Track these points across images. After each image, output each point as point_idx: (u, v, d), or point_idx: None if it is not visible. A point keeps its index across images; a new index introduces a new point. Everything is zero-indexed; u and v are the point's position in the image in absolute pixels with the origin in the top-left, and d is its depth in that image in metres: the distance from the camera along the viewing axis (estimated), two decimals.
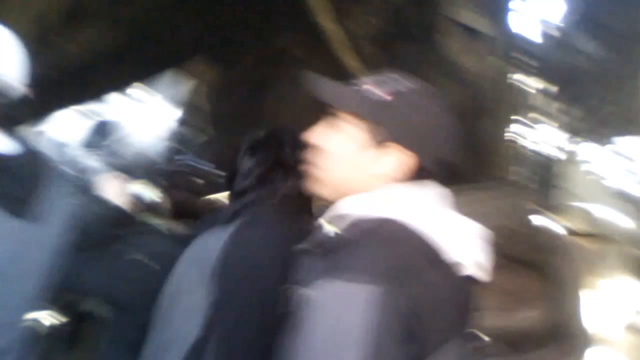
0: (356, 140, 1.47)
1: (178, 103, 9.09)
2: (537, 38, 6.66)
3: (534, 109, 6.50)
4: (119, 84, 7.23)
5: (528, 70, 6.60)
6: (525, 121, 6.36)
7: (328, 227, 1.45)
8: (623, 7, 6.61)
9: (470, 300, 1.45)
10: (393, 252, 1.30)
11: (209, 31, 6.24)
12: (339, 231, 1.40)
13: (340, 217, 1.43)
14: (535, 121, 6.58)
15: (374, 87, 1.47)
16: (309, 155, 1.55)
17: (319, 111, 1.54)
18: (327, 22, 5.73)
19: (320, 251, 1.37)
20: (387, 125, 1.44)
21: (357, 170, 1.47)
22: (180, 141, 8.79)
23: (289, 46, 7.24)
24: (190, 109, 8.76)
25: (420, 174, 1.45)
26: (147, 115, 9.27)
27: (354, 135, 1.47)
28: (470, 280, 1.42)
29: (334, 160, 1.50)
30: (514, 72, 6.06)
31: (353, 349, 1.18)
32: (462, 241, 1.40)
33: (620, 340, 4.44)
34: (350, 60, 6.11)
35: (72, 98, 6.31)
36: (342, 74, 6.66)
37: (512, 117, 6.01)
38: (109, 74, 5.90)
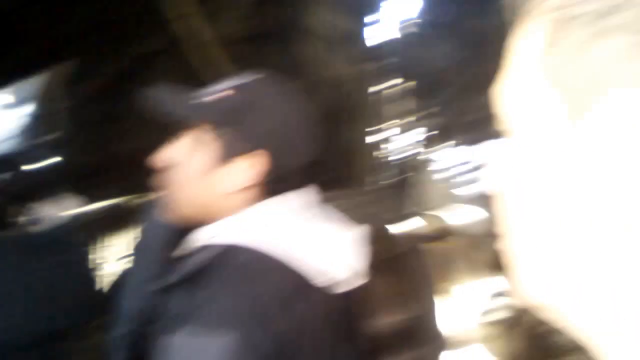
0: (208, 154, 1.35)
1: (32, 101, 8.72)
2: (396, 41, 6.83)
3: (392, 114, 6.67)
4: None
5: (387, 75, 6.76)
6: (384, 127, 6.51)
7: (185, 258, 1.33)
8: (480, 9, 6.89)
9: (351, 314, 1.40)
10: (251, 289, 1.21)
11: (71, 35, 6.01)
12: (195, 263, 1.28)
13: (200, 246, 1.33)
14: (394, 127, 6.76)
15: (223, 93, 1.36)
16: (160, 177, 1.40)
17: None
18: (190, 25, 5.63)
19: (175, 286, 1.26)
20: (239, 131, 1.34)
21: (215, 184, 1.36)
22: (33, 139, 8.44)
23: (155, 50, 7.09)
24: (45, 107, 8.42)
25: (281, 180, 1.35)
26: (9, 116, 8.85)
27: (205, 149, 1.36)
28: (346, 294, 1.35)
29: (187, 180, 1.38)
30: (373, 76, 6.18)
31: None
32: (332, 254, 1.32)
33: (478, 336, 4.67)
34: (214, 63, 6.04)
35: None
36: (207, 77, 6.59)
37: (372, 123, 6.12)
38: None
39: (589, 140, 0.47)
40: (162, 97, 1.39)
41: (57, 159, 8.41)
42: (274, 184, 1.37)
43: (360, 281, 1.39)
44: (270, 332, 1.16)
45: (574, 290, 0.51)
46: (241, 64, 6.57)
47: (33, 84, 8.49)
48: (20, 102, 8.94)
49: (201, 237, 1.35)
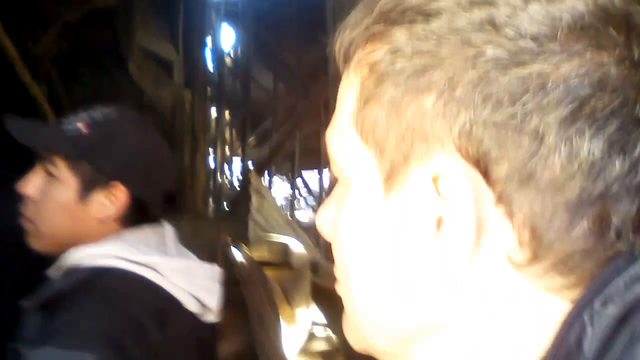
0: (68, 185, 1.32)
1: None
2: (219, 71, 6.88)
3: (221, 140, 6.68)
4: None
5: (213, 101, 6.78)
6: (217, 153, 6.51)
7: (51, 280, 1.29)
8: (301, 42, 7.08)
9: (207, 347, 1.41)
10: (112, 310, 1.19)
11: None
12: (58, 285, 1.24)
13: (62, 269, 1.29)
14: (226, 154, 6.77)
15: (77, 123, 1.33)
16: (23, 208, 1.36)
17: None
18: (4, 43, 5.33)
19: (39, 307, 1.20)
20: (92, 162, 1.31)
21: (74, 217, 1.33)
22: None
23: None
24: None
25: (140, 210, 1.36)
26: None
27: (65, 180, 1.32)
28: (204, 327, 1.37)
29: (48, 211, 1.33)
30: (198, 102, 6.17)
31: None
32: (193, 285, 1.34)
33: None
34: (30, 83, 5.75)
35: None
36: (23, 98, 6.28)
37: (203, 149, 6.10)
38: None
39: (399, 208, 0.48)
40: (18, 126, 1.33)
41: None
42: (134, 213, 1.36)
43: (216, 311, 1.41)
44: (133, 354, 1.16)
45: (391, 340, 0.52)
46: (53, 84, 6.34)
47: None
48: None
49: (67, 261, 1.30)
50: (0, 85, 6.48)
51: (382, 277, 0.50)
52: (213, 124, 6.89)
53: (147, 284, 1.26)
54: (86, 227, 1.33)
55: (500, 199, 0.44)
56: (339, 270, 0.56)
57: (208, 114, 6.56)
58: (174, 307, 1.30)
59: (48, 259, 1.33)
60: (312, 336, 5.04)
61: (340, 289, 0.56)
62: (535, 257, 0.45)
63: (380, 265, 0.50)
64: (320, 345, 5.02)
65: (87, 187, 1.32)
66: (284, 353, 1.78)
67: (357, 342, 0.56)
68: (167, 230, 1.43)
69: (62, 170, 1.31)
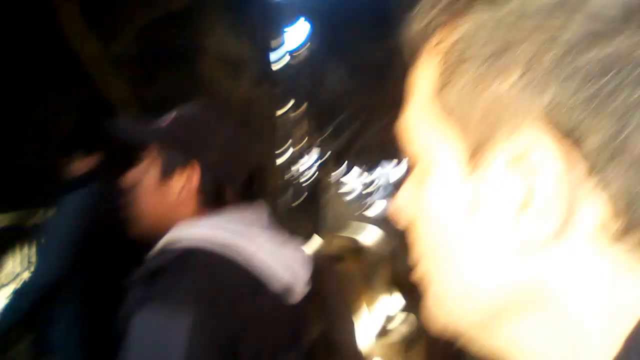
0: (154, 170, 1.46)
1: None
2: (294, 66, 6.91)
3: (296, 136, 6.71)
4: None
5: (286, 98, 6.82)
6: (290, 148, 6.55)
7: (150, 259, 1.42)
8: (374, 36, 7.05)
9: (294, 323, 1.44)
10: (205, 280, 1.29)
11: None
12: (155, 262, 1.37)
13: (162, 248, 1.41)
14: (301, 148, 6.81)
15: (163, 119, 1.47)
16: (125, 197, 1.52)
17: None
18: (86, 45, 5.51)
19: (142, 281, 1.33)
20: (171, 146, 1.45)
21: (159, 200, 1.46)
22: None
23: (50, 69, 6.90)
24: None
25: (216, 191, 1.44)
26: None
27: (152, 169, 1.46)
28: (292, 304, 1.41)
29: (139, 197, 1.48)
30: (273, 99, 6.22)
31: None
32: (279, 266, 1.41)
33: (378, 353, 4.74)
34: (108, 84, 5.93)
35: None
36: (101, 98, 6.47)
37: (278, 144, 6.15)
38: None
39: (483, 186, 0.48)
40: (122, 125, 1.53)
41: None
42: (210, 194, 1.45)
43: (303, 293, 1.45)
44: (219, 321, 1.25)
45: (476, 313, 0.53)
46: (136, 83, 6.51)
47: None
48: None
49: (163, 242, 1.42)
50: (82, 83, 6.71)
51: (470, 254, 0.51)
52: (289, 118, 6.94)
53: (233, 263, 1.34)
54: (170, 209, 1.45)
55: (592, 170, 0.44)
56: (421, 252, 0.56)
57: (280, 110, 6.60)
58: (259, 286, 1.36)
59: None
60: (390, 323, 5.04)
61: (422, 271, 0.56)
62: (630, 228, 0.44)
63: (468, 243, 0.51)
64: (399, 333, 5.01)
65: (167, 171, 1.44)
66: (361, 342, 1.80)
67: (441, 323, 0.57)
68: (259, 212, 1.49)
69: (148, 157, 1.47)
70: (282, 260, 1.42)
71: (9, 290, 6.16)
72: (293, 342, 1.45)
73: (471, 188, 0.49)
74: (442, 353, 4.28)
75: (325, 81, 6.74)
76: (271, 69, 6.16)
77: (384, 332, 4.99)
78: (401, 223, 0.60)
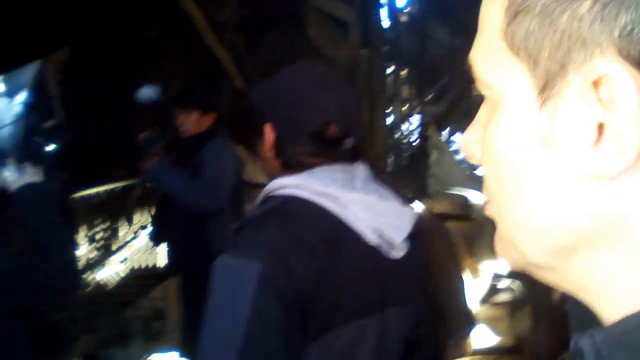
0: (258, 133, 1.55)
1: (27, 87, 8.70)
2: (395, 26, 6.84)
3: (401, 98, 6.68)
4: None
5: (390, 59, 6.77)
6: (395, 110, 6.52)
7: (256, 206, 1.51)
8: None
9: (394, 281, 1.46)
10: (288, 232, 1.34)
11: (72, 24, 5.97)
12: (255, 210, 1.47)
13: (264, 197, 1.50)
14: (406, 111, 6.77)
15: (264, 81, 1.56)
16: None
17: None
18: (194, 12, 5.61)
19: (238, 230, 1.42)
20: (258, 106, 1.54)
21: (263, 159, 1.56)
22: (27, 128, 8.43)
23: (158, 37, 7.07)
24: (40, 92, 8.40)
25: (288, 148, 1.50)
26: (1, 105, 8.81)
27: (257, 130, 1.56)
28: (390, 261, 1.44)
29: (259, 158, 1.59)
30: (375, 60, 6.18)
31: (235, 323, 1.26)
32: (376, 220, 1.42)
33: (484, 316, 4.71)
34: (217, 48, 6.03)
35: None
36: (211, 64, 6.61)
37: (383, 106, 6.13)
38: None
39: (557, 118, 0.48)
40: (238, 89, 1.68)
41: (52, 146, 8.37)
42: (283, 151, 1.51)
43: (406, 249, 1.47)
44: (296, 269, 1.30)
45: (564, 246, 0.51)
46: (237, 50, 6.59)
47: (27, 72, 8.45)
48: (13, 90, 8.90)
49: (264, 192, 1.51)
50: (190, 51, 6.86)
51: (541, 188, 0.50)
52: (391, 81, 6.90)
53: (324, 213, 1.39)
54: (266, 166, 1.56)
55: None
56: (491, 189, 0.56)
57: (385, 72, 6.56)
58: (350, 237, 1.39)
59: None
60: (496, 287, 5.00)
61: (493, 208, 0.56)
62: None
63: (539, 177, 0.50)
64: (504, 297, 4.97)
65: (258, 132, 1.54)
66: (468, 305, 1.79)
67: (514, 259, 0.57)
68: (359, 169, 1.51)
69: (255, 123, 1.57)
70: (381, 217, 1.43)
71: (122, 255, 6.48)
72: (392, 298, 1.46)
73: (542, 123, 0.49)
74: (548, 318, 4.23)
75: (428, 43, 6.65)
76: (376, 30, 6.11)
77: (489, 297, 4.95)
78: (473, 159, 0.60)
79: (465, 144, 0.60)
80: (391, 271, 1.45)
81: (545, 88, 0.48)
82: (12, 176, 2.19)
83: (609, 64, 0.45)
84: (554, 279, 0.55)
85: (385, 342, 1.43)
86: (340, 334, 1.35)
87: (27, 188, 2.19)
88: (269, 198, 1.47)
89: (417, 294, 1.53)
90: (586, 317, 0.55)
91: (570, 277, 0.53)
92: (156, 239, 4.37)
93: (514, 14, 0.50)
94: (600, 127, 0.46)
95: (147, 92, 3.86)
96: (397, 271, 1.46)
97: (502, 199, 0.55)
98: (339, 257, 1.37)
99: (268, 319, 1.26)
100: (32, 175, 2.22)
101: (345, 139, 1.50)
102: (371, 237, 1.41)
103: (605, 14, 0.44)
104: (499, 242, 0.58)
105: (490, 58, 0.53)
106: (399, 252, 1.45)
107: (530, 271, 0.56)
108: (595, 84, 0.45)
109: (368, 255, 1.41)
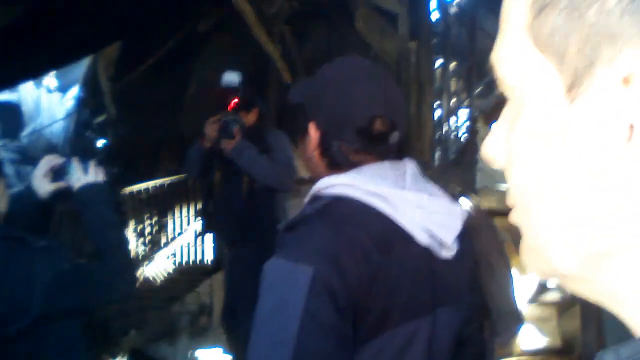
0: (301, 131, 1.53)
1: (79, 82, 8.85)
2: (444, 18, 6.78)
3: (450, 92, 6.61)
4: (33, 71, 6.93)
5: (438, 51, 6.71)
6: (443, 103, 6.46)
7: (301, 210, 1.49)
8: None
9: (445, 281, 1.44)
10: (339, 233, 1.32)
11: (127, 18, 6.05)
12: (304, 210, 1.43)
13: (312, 196, 1.48)
14: (454, 104, 6.70)
15: (306, 78, 1.55)
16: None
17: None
18: (244, 5, 5.64)
19: (286, 228, 1.41)
20: (301, 104, 1.52)
21: (305, 158, 1.55)
22: (79, 123, 8.58)
23: (208, 32, 7.13)
24: (91, 88, 8.54)
25: (334, 146, 1.47)
26: (54, 101, 8.98)
27: (300, 128, 1.54)
28: (441, 260, 1.42)
29: (301, 157, 1.59)
30: (424, 53, 6.13)
31: (289, 326, 1.24)
32: (426, 218, 1.40)
33: (531, 315, 4.64)
34: (266, 42, 6.05)
35: None
36: (259, 55, 6.64)
37: (431, 100, 6.08)
38: (22, 60, 5.65)
39: (586, 115, 0.46)
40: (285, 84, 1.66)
41: (103, 141, 8.50)
42: (329, 149, 1.48)
43: (454, 249, 1.45)
44: (350, 272, 1.28)
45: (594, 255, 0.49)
46: (285, 44, 6.61)
47: (78, 67, 8.60)
48: (66, 86, 9.08)
49: (312, 191, 1.48)
50: (239, 44, 6.90)
51: (572, 190, 0.48)
52: (439, 74, 6.84)
53: (375, 212, 1.36)
54: (311, 165, 1.54)
55: None
56: (517, 193, 0.54)
57: (434, 65, 6.51)
58: (401, 237, 1.37)
59: None
60: (544, 286, 4.91)
61: (519, 215, 0.54)
62: None
63: (569, 180, 0.48)
64: (553, 296, 4.88)
65: (301, 130, 1.52)
66: (516, 303, 1.75)
67: (542, 270, 0.54)
68: (408, 166, 1.49)
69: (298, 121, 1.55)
70: (432, 216, 1.41)
71: (169, 250, 6.55)
72: (442, 299, 1.43)
73: (571, 121, 0.47)
74: (598, 318, 4.14)
75: (478, 36, 6.55)
76: (425, 23, 6.06)
77: (537, 295, 4.87)
78: (495, 164, 0.57)
79: (488, 148, 0.58)
80: (441, 271, 1.43)
81: (573, 85, 0.47)
82: (74, 176, 2.22)
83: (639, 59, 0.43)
84: (584, 290, 0.53)
85: (437, 342, 1.41)
86: (393, 336, 1.34)
87: (89, 188, 2.21)
88: (316, 198, 1.44)
89: (466, 293, 1.51)
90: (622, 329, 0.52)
91: (600, 287, 0.50)
92: (204, 230, 4.54)
93: (540, 9, 0.48)
94: (632, 125, 0.44)
95: (229, 77, 4.00)
96: (447, 271, 1.44)
97: (529, 203, 0.52)
98: (391, 258, 1.34)
99: (322, 323, 1.25)
100: (93, 175, 2.24)
101: (392, 134, 1.47)
102: (422, 237, 1.38)
103: (635, 6, 0.43)
104: (525, 252, 0.55)
105: (516, 56, 0.52)
106: (449, 252, 1.43)
107: (556, 278, 0.54)
108: (626, 79, 0.44)
109: (419, 255, 1.39)
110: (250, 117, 4.07)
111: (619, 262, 0.48)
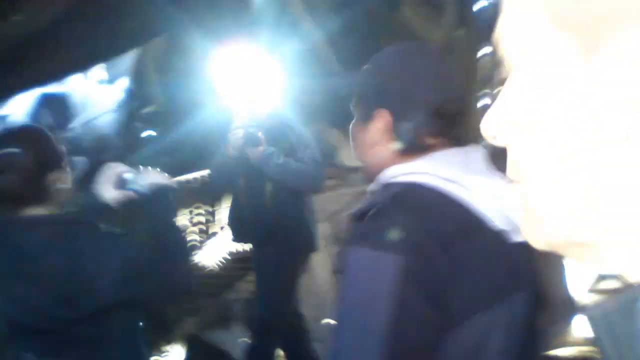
0: (357, 121, 1.54)
1: (127, 74, 8.92)
2: (492, 6, 6.70)
3: (497, 80, 6.54)
4: (84, 63, 7.02)
5: (486, 40, 6.64)
6: (491, 93, 6.41)
7: (369, 195, 1.50)
8: None
9: (519, 266, 1.43)
10: (421, 220, 1.31)
11: (170, 11, 6.09)
12: (376, 197, 1.42)
13: (379, 185, 1.47)
14: (499, 92, 6.63)
15: (366, 65, 1.53)
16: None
17: None
18: None
19: (358, 216, 1.39)
20: (361, 95, 1.52)
21: (364, 147, 1.54)
22: (129, 113, 8.65)
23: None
24: (139, 79, 8.61)
25: (410, 131, 1.46)
26: (103, 93, 9.07)
27: (356, 116, 1.55)
28: (515, 245, 1.39)
29: (358, 146, 1.56)
30: (471, 41, 6.08)
31: (379, 314, 1.23)
32: (500, 203, 1.39)
33: (589, 303, 4.58)
34: (312, 32, 6.05)
35: (29, 78, 6.12)
36: (308, 46, 6.64)
37: (478, 88, 6.03)
38: (69, 53, 5.73)
39: (603, 76, 0.46)
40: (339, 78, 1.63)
41: (152, 132, 8.57)
42: (405, 135, 1.47)
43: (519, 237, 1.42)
44: (431, 263, 1.28)
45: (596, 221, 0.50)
46: (345, 32, 6.59)
47: (126, 59, 8.68)
48: (114, 78, 9.16)
49: (382, 179, 1.48)
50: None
51: (591, 157, 0.49)
52: (486, 62, 6.77)
53: (453, 199, 1.36)
54: (376, 154, 1.52)
55: None
56: (520, 168, 0.55)
57: (481, 53, 6.44)
58: (479, 222, 1.37)
59: None
60: (601, 274, 4.85)
61: (523, 186, 0.55)
62: None
63: (591, 145, 0.49)
64: (610, 284, 4.82)
65: (364, 120, 1.52)
66: (571, 291, 1.76)
67: (543, 241, 0.56)
68: (475, 152, 1.50)
69: (358, 109, 1.55)
70: (503, 200, 1.39)
71: (221, 238, 6.59)
72: (517, 284, 1.43)
73: (594, 88, 0.47)
74: None
75: None
76: (471, 12, 6.00)
77: (594, 284, 4.82)
78: (497, 140, 0.58)
79: (488, 124, 0.59)
80: (515, 255, 1.42)
81: (595, 52, 0.47)
82: (139, 183, 2.26)
83: None
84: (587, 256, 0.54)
85: (513, 328, 1.41)
86: (475, 322, 1.33)
87: (154, 194, 2.26)
88: (387, 186, 1.44)
89: (534, 278, 1.51)
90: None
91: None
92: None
93: None
94: None
95: None
96: (519, 255, 1.42)
97: (541, 174, 0.53)
98: (471, 244, 1.35)
99: (412, 312, 1.25)
100: (157, 177, 2.29)
101: (460, 116, 1.50)
102: (497, 222, 1.38)
103: None
104: (524, 222, 0.57)
105: (530, 29, 0.52)
106: (521, 236, 1.42)
107: (558, 250, 0.55)
108: None
109: (495, 240, 1.38)
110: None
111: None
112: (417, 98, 1.46)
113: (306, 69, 6.99)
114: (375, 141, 1.50)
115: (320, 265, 4.80)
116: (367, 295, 1.27)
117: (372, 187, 1.50)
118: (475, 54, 6.08)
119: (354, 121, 1.56)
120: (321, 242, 4.65)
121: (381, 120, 1.48)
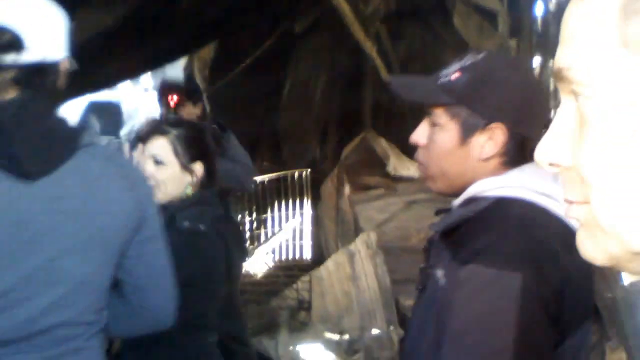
0: (449, 131, 1.43)
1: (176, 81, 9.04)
2: (545, 16, 6.65)
3: (547, 89, 6.49)
4: (132, 71, 7.13)
5: (538, 50, 6.60)
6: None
7: (456, 211, 1.43)
8: None
9: (593, 281, 1.41)
10: (532, 235, 1.28)
11: (223, 16, 6.16)
12: (462, 212, 1.38)
13: (468, 199, 1.41)
14: (554, 103, 6.57)
15: (451, 72, 1.42)
16: (417, 155, 1.51)
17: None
18: (342, 4, 5.66)
19: (442, 234, 1.37)
20: (469, 106, 1.40)
21: (457, 159, 1.43)
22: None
23: (305, 31, 7.19)
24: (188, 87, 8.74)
25: (522, 146, 1.40)
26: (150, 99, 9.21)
27: (446, 127, 1.43)
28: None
29: (435, 156, 1.46)
30: (523, 51, 6.04)
31: (504, 334, 1.19)
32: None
33: None
34: (363, 40, 6.06)
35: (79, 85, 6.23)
36: (354, 55, 6.66)
37: None
38: (121, 61, 5.82)
39: None
40: (402, 83, 1.54)
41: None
42: (516, 150, 1.41)
43: None
44: (546, 278, 1.24)
45: None
46: (381, 41, 6.60)
47: (175, 67, 8.80)
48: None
49: (469, 193, 1.42)
50: (335, 44, 6.95)
51: None
52: (538, 72, 6.72)
53: (550, 213, 1.32)
54: (470, 167, 1.42)
55: None
56: (589, 189, 0.57)
57: (533, 63, 6.40)
58: (574, 236, 1.32)
59: None
60: None
61: (587, 208, 0.58)
62: None
63: None
64: None
65: (468, 131, 1.41)
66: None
67: (601, 256, 0.59)
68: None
69: (443, 117, 1.42)
70: None
71: (268, 246, 6.65)
72: (591, 303, 1.40)
73: None
74: None
75: None
76: (525, 21, 5.96)
77: None
78: (560, 167, 0.60)
79: (547, 151, 0.61)
80: (594, 268, 1.37)
81: None
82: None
83: None
84: None
85: (587, 351, 1.40)
86: (575, 339, 1.30)
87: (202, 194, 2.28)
88: (479, 199, 1.39)
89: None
90: None
91: None
92: None
93: (633, 12, 0.50)
94: None
95: (171, 73, 4.01)
96: (594, 268, 1.37)
97: (604, 194, 0.55)
98: (573, 259, 1.30)
99: (533, 329, 1.22)
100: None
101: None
102: None
103: None
104: (585, 238, 0.62)
105: (600, 59, 0.52)
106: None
107: (624, 264, 0.58)
108: None
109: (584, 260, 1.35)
110: (195, 112, 4.01)
111: None
112: (535, 113, 1.42)
113: (354, 78, 7.02)
114: (478, 155, 1.41)
115: (366, 274, 4.78)
116: (487, 315, 1.23)
117: (457, 201, 1.44)
118: (529, 63, 6.03)
119: (433, 130, 1.47)
120: (367, 251, 4.62)
121: (495, 134, 1.39)
